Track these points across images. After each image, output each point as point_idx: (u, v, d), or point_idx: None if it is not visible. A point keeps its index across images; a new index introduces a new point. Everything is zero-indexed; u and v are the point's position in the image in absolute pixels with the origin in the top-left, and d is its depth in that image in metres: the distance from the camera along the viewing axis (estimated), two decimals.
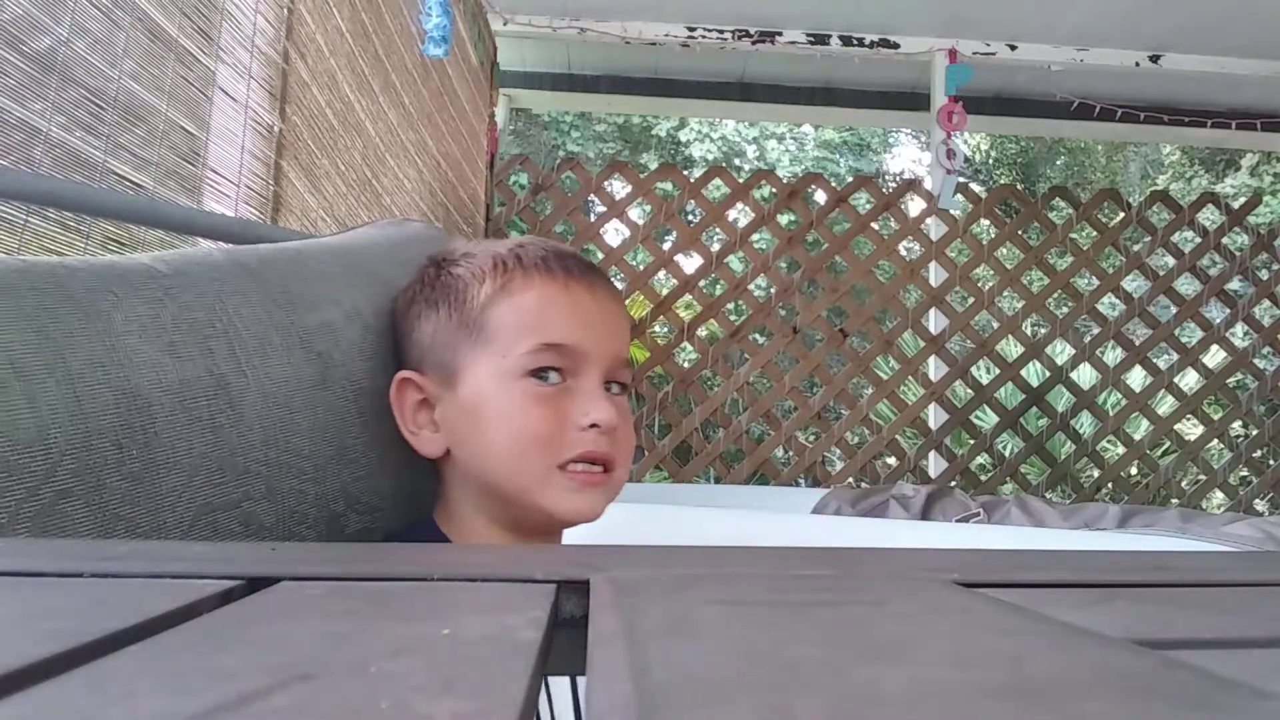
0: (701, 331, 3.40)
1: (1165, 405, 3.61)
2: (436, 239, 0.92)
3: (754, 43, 3.51)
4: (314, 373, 0.69)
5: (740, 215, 3.47)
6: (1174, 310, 3.34)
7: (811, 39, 3.52)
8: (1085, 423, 3.51)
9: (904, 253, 3.50)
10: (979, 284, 3.33)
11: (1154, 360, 3.36)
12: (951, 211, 3.31)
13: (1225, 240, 3.38)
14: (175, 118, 1.42)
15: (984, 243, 3.34)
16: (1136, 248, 3.41)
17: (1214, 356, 3.53)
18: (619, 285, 3.64)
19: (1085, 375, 3.40)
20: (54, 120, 1.15)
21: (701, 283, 3.42)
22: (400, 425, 0.73)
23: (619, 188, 3.69)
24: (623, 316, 0.77)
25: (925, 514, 2.45)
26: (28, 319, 0.54)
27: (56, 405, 0.53)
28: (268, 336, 0.66)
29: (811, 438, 3.56)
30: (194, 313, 0.63)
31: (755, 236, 3.42)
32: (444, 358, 0.72)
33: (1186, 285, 3.46)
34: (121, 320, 0.58)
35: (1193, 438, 3.42)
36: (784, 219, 3.41)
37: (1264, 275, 3.38)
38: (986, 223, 3.38)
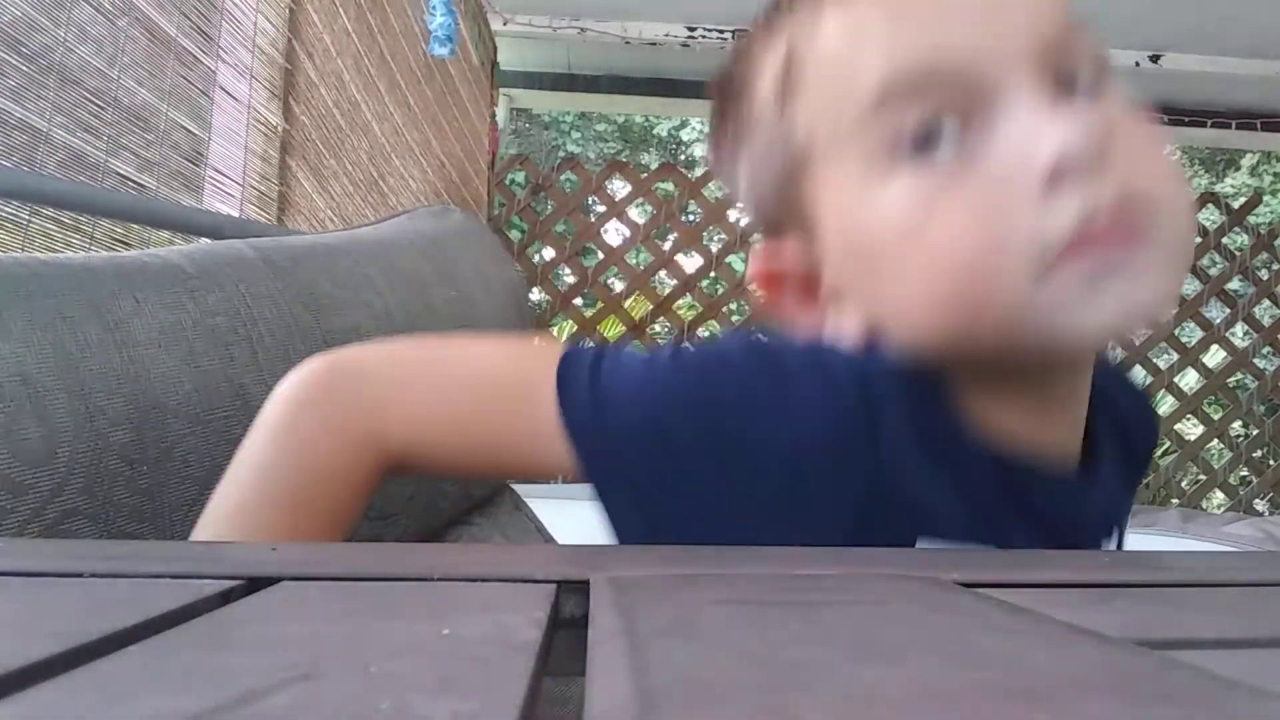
0: (703, 331, 3.39)
1: (1165, 405, 3.60)
2: (477, 232, 0.91)
3: None
4: None
5: (741, 215, 3.47)
6: (1174, 310, 3.34)
7: None
8: None
9: None
10: None
11: (1154, 360, 3.36)
12: None
13: (1225, 240, 3.38)
14: (176, 118, 1.42)
15: None
16: None
17: (1214, 356, 3.53)
18: (619, 286, 3.65)
19: None
20: (54, 121, 1.15)
21: (703, 282, 3.42)
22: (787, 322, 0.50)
23: (619, 187, 3.69)
24: None
25: None
26: (44, 329, 0.53)
27: (67, 421, 0.51)
28: (291, 342, 0.65)
29: None
30: (216, 318, 0.62)
31: (756, 236, 3.42)
32: (775, 202, 0.48)
33: (1186, 285, 3.46)
34: (141, 328, 0.57)
35: (1193, 438, 3.42)
36: None
37: (1264, 275, 3.37)
38: None
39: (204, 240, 0.87)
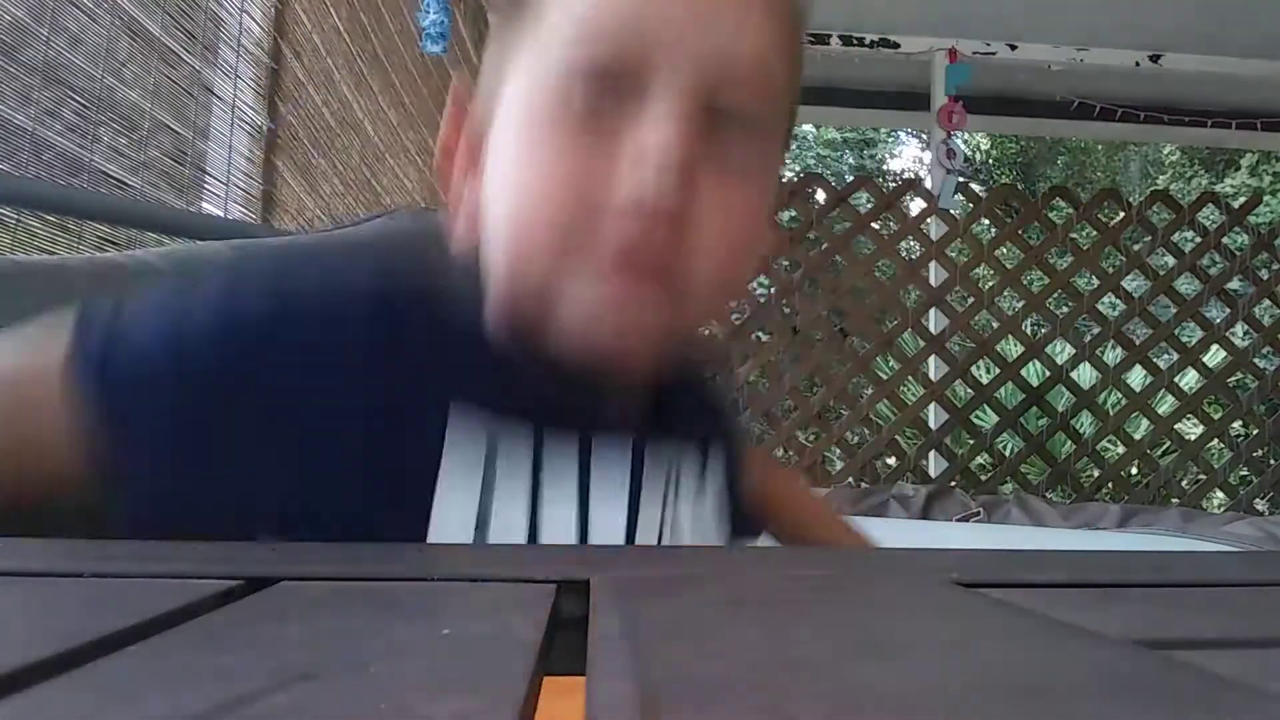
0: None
1: (1165, 405, 3.60)
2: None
3: None
4: None
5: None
6: (1174, 310, 3.34)
7: (811, 39, 3.52)
8: (1085, 422, 3.51)
9: (904, 253, 3.50)
10: (979, 284, 3.33)
11: (1154, 360, 3.36)
12: (951, 211, 3.31)
13: (1225, 240, 3.38)
14: (161, 118, 1.42)
15: (984, 243, 3.33)
16: (1137, 247, 3.41)
17: (1214, 356, 3.52)
18: None
19: (1085, 375, 3.40)
20: (39, 121, 1.15)
21: None
22: (451, 182, 0.52)
23: None
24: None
25: (925, 514, 2.45)
26: (14, 326, 0.53)
27: None
28: None
29: (811, 438, 3.56)
30: None
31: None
32: (493, 65, 0.49)
33: (1186, 285, 3.46)
34: None
35: (1193, 437, 3.42)
36: (784, 218, 3.41)
37: (1264, 275, 3.37)
38: (986, 222, 3.38)
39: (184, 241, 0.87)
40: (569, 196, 0.43)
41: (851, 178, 4.48)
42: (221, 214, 1.57)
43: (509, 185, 0.45)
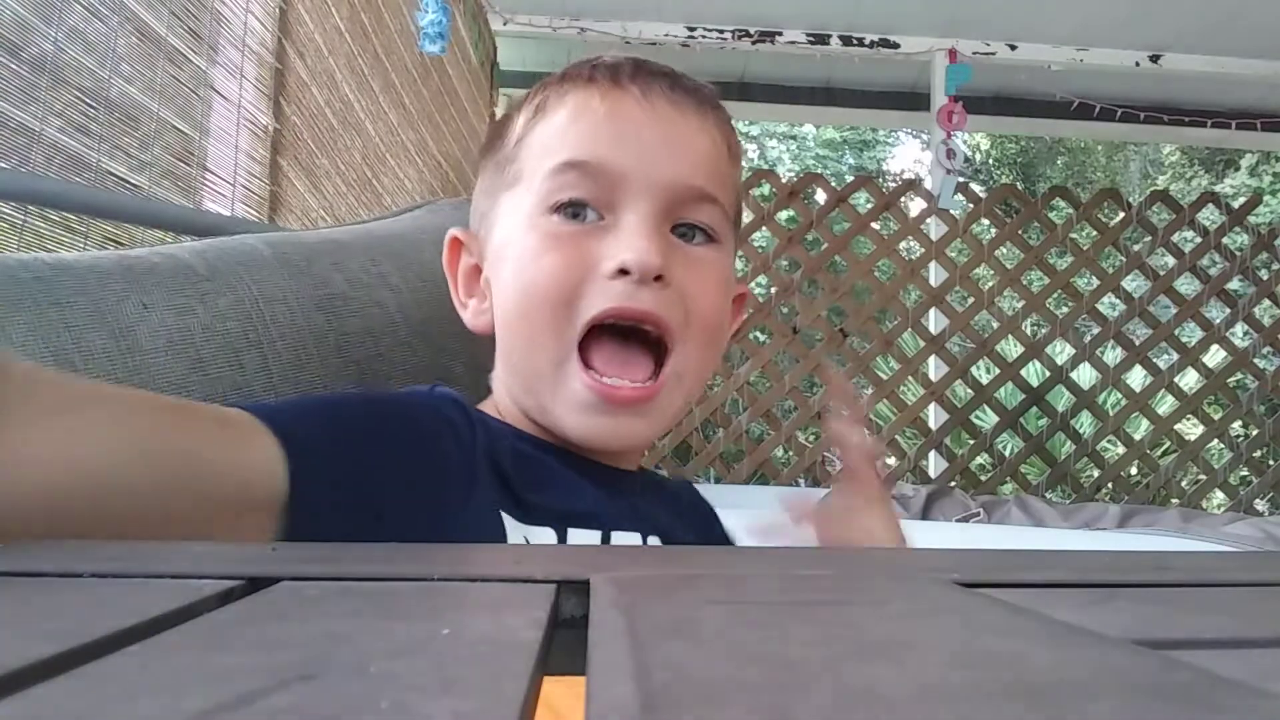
0: None
1: (1165, 405, 3.60)
2: None
3: (754, 43, 3.51)
4: (350, 382, 0.66)
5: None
6: (1174, 310, 3.34)
7: (811, 39, 3.52)
8: (1085, 423, 3.51)
9: (904, 253, 3.50)
10: (979, 284, 3.33)
11: (1154, 360, 3.36)
12: (951, 211, 3.31)
13: (1225, 240, 3.38)
14: (168, 118, 1.42)
15: (984, 243, 3.33)
16: (1136, 248, 3.41)
17: (1214, 356, 3.52)
18: None
19: (1085, 375, 3.40)
20: (47, 121, 1.15)
21: None
22: (453, 296, 0.64)
23: None
24: (701, 136, 0.58)
25: (925, 514, 2.45)
26: (46, 338, 0.52)
27: None
28: (304, 346, 0.64)
29: (811, 438, 3.56)
30: (228, 322, 0.61)
31: (755, 236, 3.41)
32: (485, 208, 0.62)
33: (1186, 285, 3.46)
34: (148, 334, 0.56)
35: (1193, 438, 3.42)
36: (783, 218, 3.41)
37: (1264, 275, 3.37)
38: (986, 222, 3.38)
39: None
40: (562, 276, 0.53)
41: (851, 178, 4.48)
42: (227, 213, 1.57)
43: (516, 282, 0.56)
